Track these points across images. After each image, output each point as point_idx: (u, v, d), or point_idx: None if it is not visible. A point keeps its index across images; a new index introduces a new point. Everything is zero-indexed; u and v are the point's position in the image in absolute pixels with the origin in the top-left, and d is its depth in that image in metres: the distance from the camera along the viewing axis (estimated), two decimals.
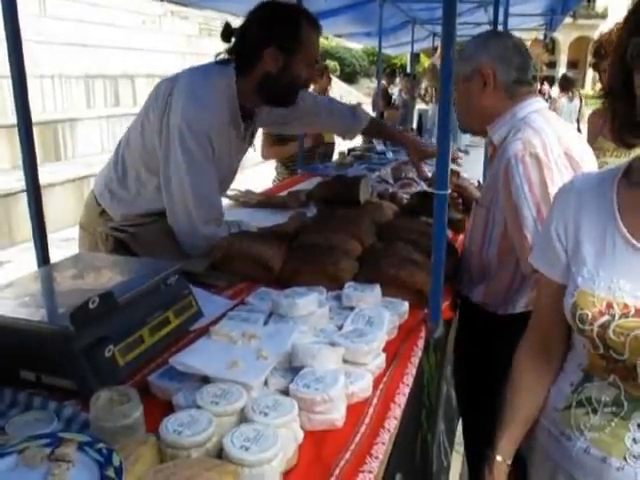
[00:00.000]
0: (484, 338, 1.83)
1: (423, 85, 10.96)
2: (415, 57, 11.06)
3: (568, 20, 17.89)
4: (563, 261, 1.15)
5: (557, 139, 1.63)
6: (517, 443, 1.27)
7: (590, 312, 1.05)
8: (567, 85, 8.87)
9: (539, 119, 1.68)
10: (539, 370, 1.25)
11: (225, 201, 2.96)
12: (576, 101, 8.87)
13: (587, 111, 2.59)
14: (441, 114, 1.46)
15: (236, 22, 2.05)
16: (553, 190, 1.54)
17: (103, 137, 8.17)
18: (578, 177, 1.24)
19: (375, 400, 1.22)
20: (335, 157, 4.55)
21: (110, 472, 0.81)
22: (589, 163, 1.69)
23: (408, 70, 10.84)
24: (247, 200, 2.87)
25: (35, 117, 1.69)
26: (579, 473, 1.13)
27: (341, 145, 4.45)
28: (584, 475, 1.12)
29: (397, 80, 10.83)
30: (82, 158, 7.50)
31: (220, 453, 0.94)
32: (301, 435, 1.06)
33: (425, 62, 16.32)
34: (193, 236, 1.99)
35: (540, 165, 1.57)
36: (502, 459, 1.25)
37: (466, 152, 4.99)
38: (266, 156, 4.28)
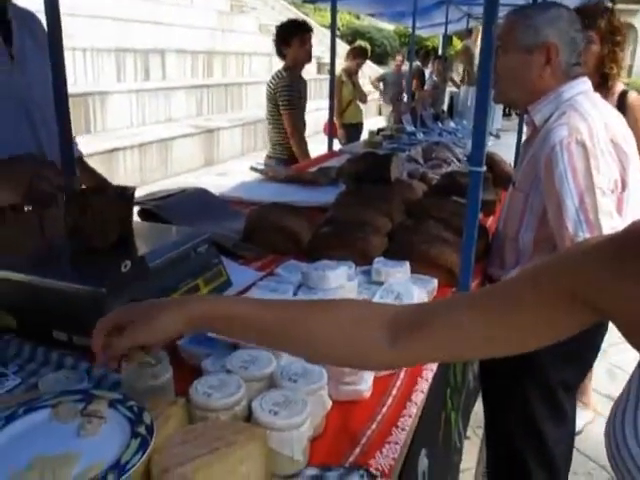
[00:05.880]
0: None
1: (460, 68, 10.81)
2: (447, 39, 10.90)
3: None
4: None
5: (604, 125, 1.57)
6: None
7: None
8: None
9: (586, 102, 1.62)
10: None
11: (253, 175, 2.96)
12: None
13: (632, 94, 2.53)
14: (479, 93, 1.44)
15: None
16: (598, 179, 1.49)
17: (132, 111, 8.22)
18: None
19: (402, 374, 1.22)
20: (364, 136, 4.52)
21: (141, 429, 0.82)
22: (634, 150, 1.63)
23: (440, 52, 10.69)
24: (275, 175, 2.86)
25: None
26: None
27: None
28: None
29: (430, 63, 10.70)
30: (112, 132, 7.56)
31: (248, 417, 0.95)
32: (329, 404, 1.06)
33: (457, 45, 16.06)
34: None
35: (586, 153, 1.51)
36: None
37: (497, 136, 4.93)
38: None
